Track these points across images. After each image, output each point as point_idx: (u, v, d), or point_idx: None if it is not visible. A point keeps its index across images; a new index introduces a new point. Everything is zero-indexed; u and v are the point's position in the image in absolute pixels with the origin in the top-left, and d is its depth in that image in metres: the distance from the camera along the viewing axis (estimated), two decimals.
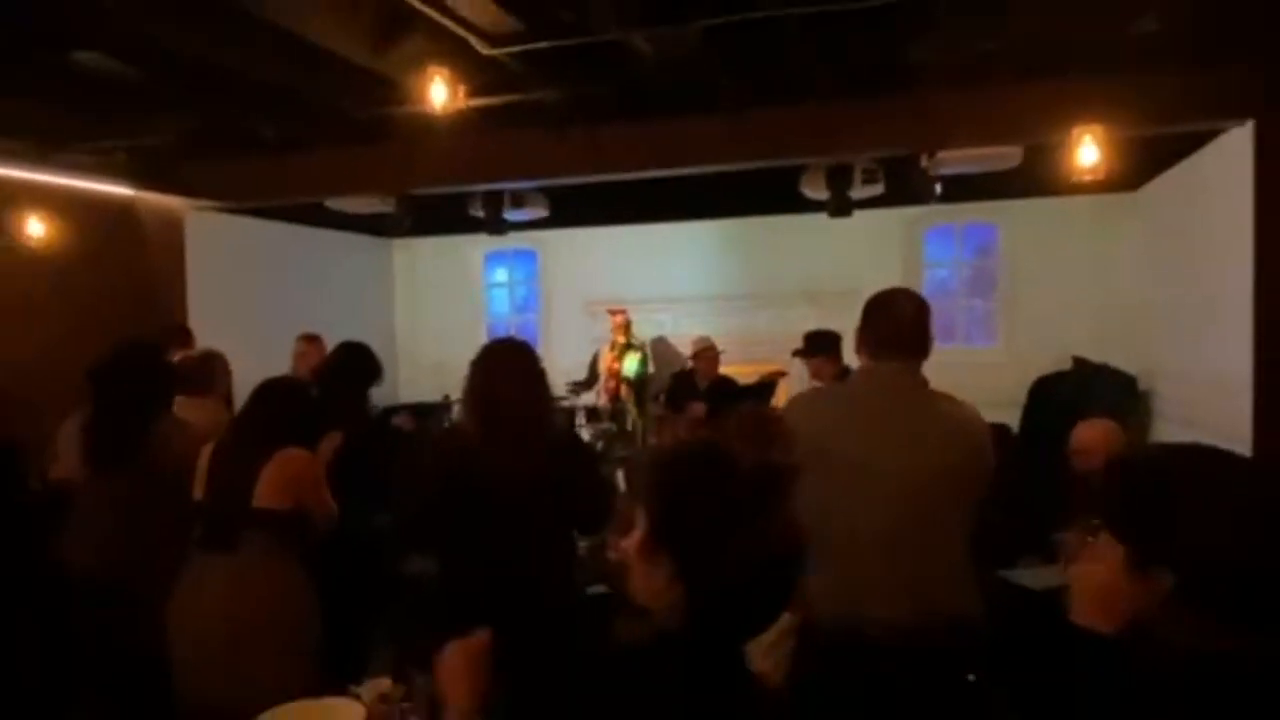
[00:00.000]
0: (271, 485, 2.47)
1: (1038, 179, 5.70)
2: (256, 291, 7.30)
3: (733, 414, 1.61)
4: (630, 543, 1.10)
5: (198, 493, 2.65)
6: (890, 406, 2.11)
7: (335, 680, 2.12)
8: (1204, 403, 5.17)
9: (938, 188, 4.93)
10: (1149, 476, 1.09)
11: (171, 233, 6.52)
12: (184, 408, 3.36)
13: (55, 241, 5.50)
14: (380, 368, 3.70)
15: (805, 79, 4.12)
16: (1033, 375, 7.16)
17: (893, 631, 1.95)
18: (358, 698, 1.96)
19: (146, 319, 5.93)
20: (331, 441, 2.92)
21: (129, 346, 3.14)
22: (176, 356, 3.84)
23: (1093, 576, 1.11)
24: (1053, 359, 7.19)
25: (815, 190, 5.46)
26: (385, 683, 2.02)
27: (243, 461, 2.51)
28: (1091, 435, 3.13)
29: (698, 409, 5.21)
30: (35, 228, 5.22)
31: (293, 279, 7.87)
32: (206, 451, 2.66)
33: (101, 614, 2.82)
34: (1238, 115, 4.09)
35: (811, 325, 4.91)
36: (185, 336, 5.08)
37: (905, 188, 5.33)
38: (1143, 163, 5.77)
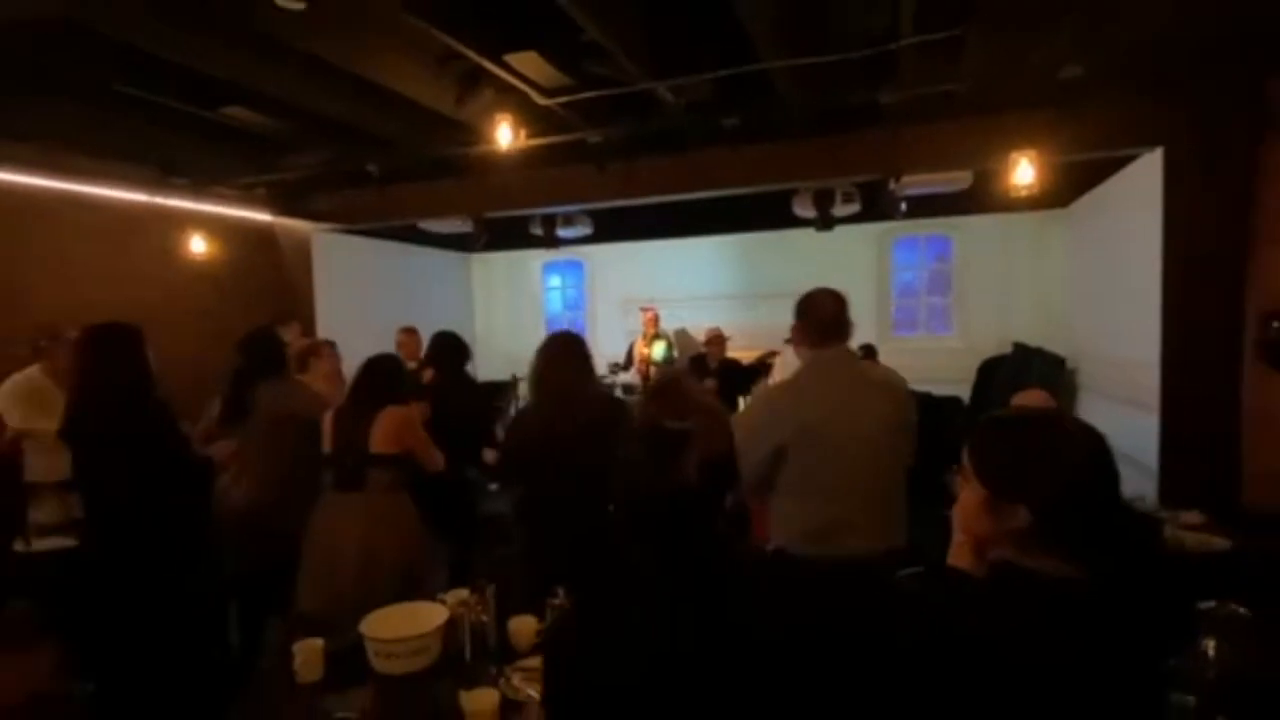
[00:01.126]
0: (383, 436, 2.53)
1: (985, 198, 5.58)
2: (367, 296, 7.40)
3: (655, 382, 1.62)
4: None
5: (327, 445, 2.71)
6: (840, 382, 2.12)
7: (429, 594, 2.16)
8: (1120, 379, 5.05)
9: (903, 206, 4.84)
10: (1009, 432, 1.08)
11: (302, 250, 6.64)
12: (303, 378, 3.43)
13: (213, 258, 5.63)
14: (469, 348, 3.78)
15: (795, 118, 4.08)
16: (981, 357, 7.05)
17: (855, 561, 1.95)
18: (443, 603, 2.00)
19: (285, 320, 6.05)
20: (422, 408, 2.97)
21: (257, 329, 3.20)
22: (295, 341, 3.90)
23: (961, 519, 1.10)
24: (997, 344, 7.06)
25: (804, 209, 5.42)
26: (464, 592, 2.05)
27: (359, 419, 2.56)
28: (1028, 401, 3.08)
29: (709, 385, 5.20)
30: (198, 245, 5.34)
31: (395, 285, 7.96)
32: (329, 416, 2.71)
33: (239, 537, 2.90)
34: (1149, 143, 3.97)
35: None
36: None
37: (877, 206, 5.26)
38: (1071, 184, 5.63)
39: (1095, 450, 1.00)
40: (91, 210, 4.91)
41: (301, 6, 2.45)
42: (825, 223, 5.35)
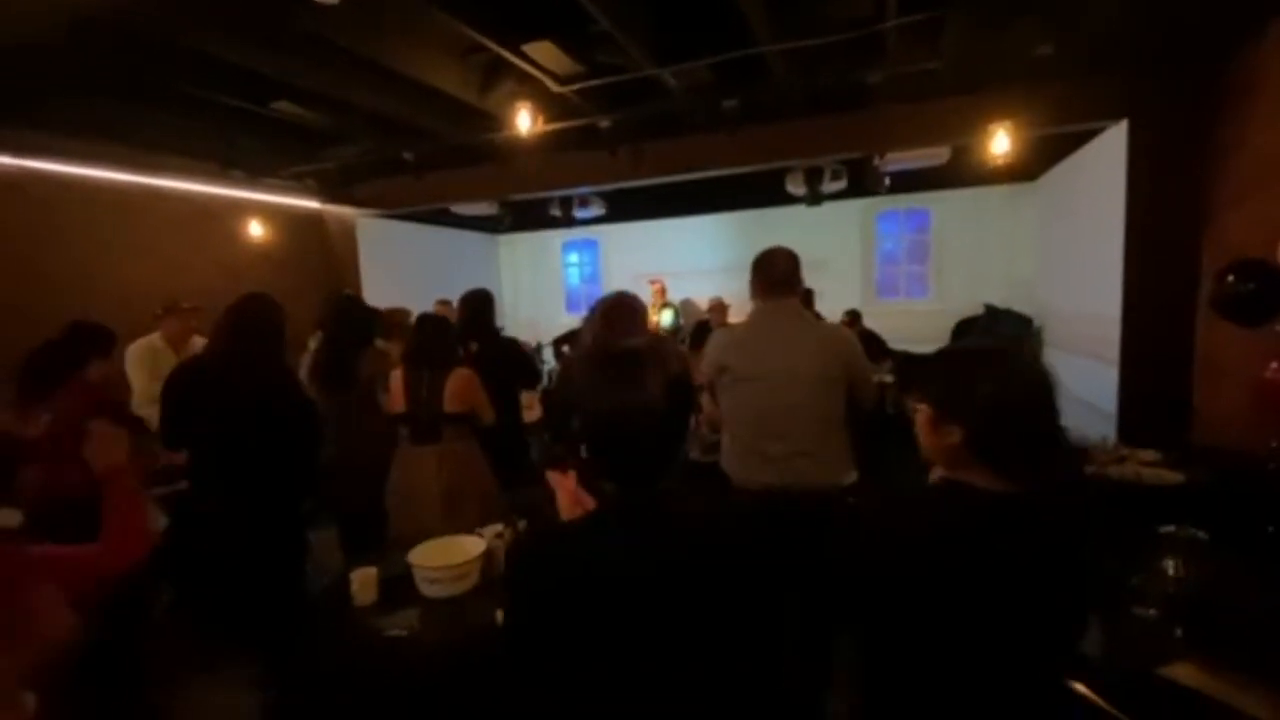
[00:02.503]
0: (452, 395, 2.51)
1: (960, 173, 5.43)
2: (406, 275, 7.35)
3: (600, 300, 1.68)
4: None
5: (394, 406, 2.65)
6: (776, 329, 2.13)
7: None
8: (1083, 334, 4.95)
9: (887, 181, 4.69)
10: (951, 360, 1.10)
11: (348, 234, 6.58)
12: (383, 347, 3.40)
13: (270, 243, 5.59)
14: (493, 299, 3.62)
15: (788, 101, 3.95)
16: (955, 319, 6.92)
17: (769, 490, 2.01)
18: (480, 536, 2.00)
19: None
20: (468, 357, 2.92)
21: (344, 299, 3.14)
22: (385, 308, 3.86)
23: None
24: (970, 306, 6.94)
25: (796, 187, 5.27)
26: (499, 526, 2.05)
27: (431, 381, 2.53)
28: None
29: None
30: (256, 231, 5.30)
31: (431, 265, 7.91)
32: (398, 375, 2.66)
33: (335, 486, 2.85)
34: (1116, 116, 3.80)
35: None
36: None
37: (862, 182, 5.11)
38: (1039, 158, 5.45)
39: (1031, 384, 1.00)
40: (166, 202, 4.88)
41: (335, 1, 2.36)
42: (815, 198, 5.22)
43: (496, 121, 3.97)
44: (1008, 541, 0.96)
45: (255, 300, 2.37)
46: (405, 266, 7.39)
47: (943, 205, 7.26)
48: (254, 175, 5.15)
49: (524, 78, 3.48)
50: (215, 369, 2.30)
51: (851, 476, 2.08)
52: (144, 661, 2.44)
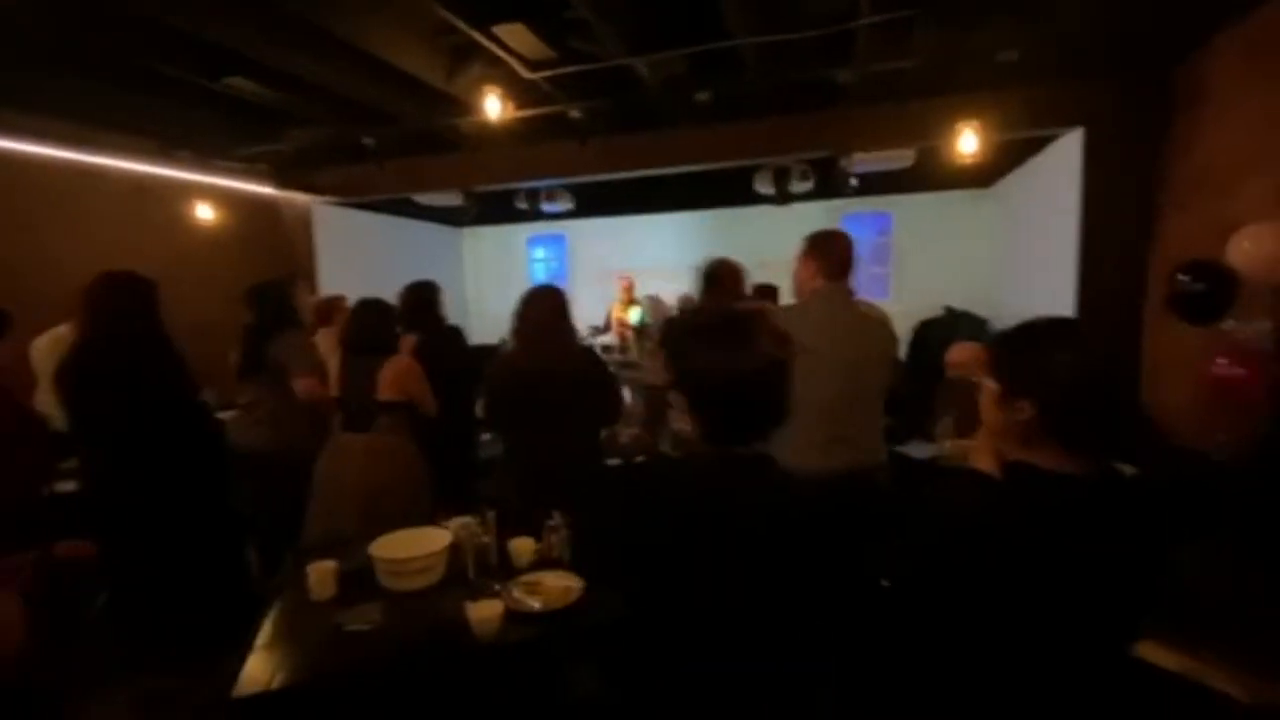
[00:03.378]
0: (387, 383, 2.40)
1: (923, 178, 5.54)
2: (366, 266, 7.11)
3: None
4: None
5: (331, 391, 2.58)
6: (838, 313, 2.10)
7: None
8: None
9: (854, 182, 4.75)
10: (1021, 333, 1.05)
11: (303, 221, 6.32)
12: (322, 336, 3.27)
13: (219, 227, 5.32)
14: (439, 290, 3.49)
15: (760, 97, 3.95)
16: (915, 321, 7.08)
17: (826, 473, 1.92)
18: (446, 528, 1.91)
19: (292, 279, 5.78)
20: (408, 342, 2.81)
21: (257, 286, 3.01)
22: (314, 299, 3.71)
23: (981, 427, 1.06)
24: (930, 308, 7.10)
25: (765, 186, 5.29)
26: (465, 518, 1.96)
27: (365, 368, 2.43)
28: (960, 351, 3.06)
29: None
30: (204, 213, 5.04)
31: (392, 257, 7.68)
32: (335, 362, 2.58)
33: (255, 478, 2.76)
34: (1073, 122, 3.94)
35: (760, 281, 4.90)
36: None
37: (829, 184, 5.16)
38: (995, 165, 5.61)
39: (1108, 356, 0.97)
40: (104, 180, 4.58)
41: None
42: (783, 198, 5.25)
43: (463, 107, 3.86)
44: (1090, 528, 0.92)
45: (109, 280, 2.31)
46: (364, 257, 7.15)
47: (904, 208, 7.43)
48: (203, 156, 4.90)
49: (494, 61, 3.38)
50: (89, 359, 2.22)
51: (884, 455, 2.17)
52: (68, 670, 2.29)
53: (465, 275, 9.45)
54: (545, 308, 2.38)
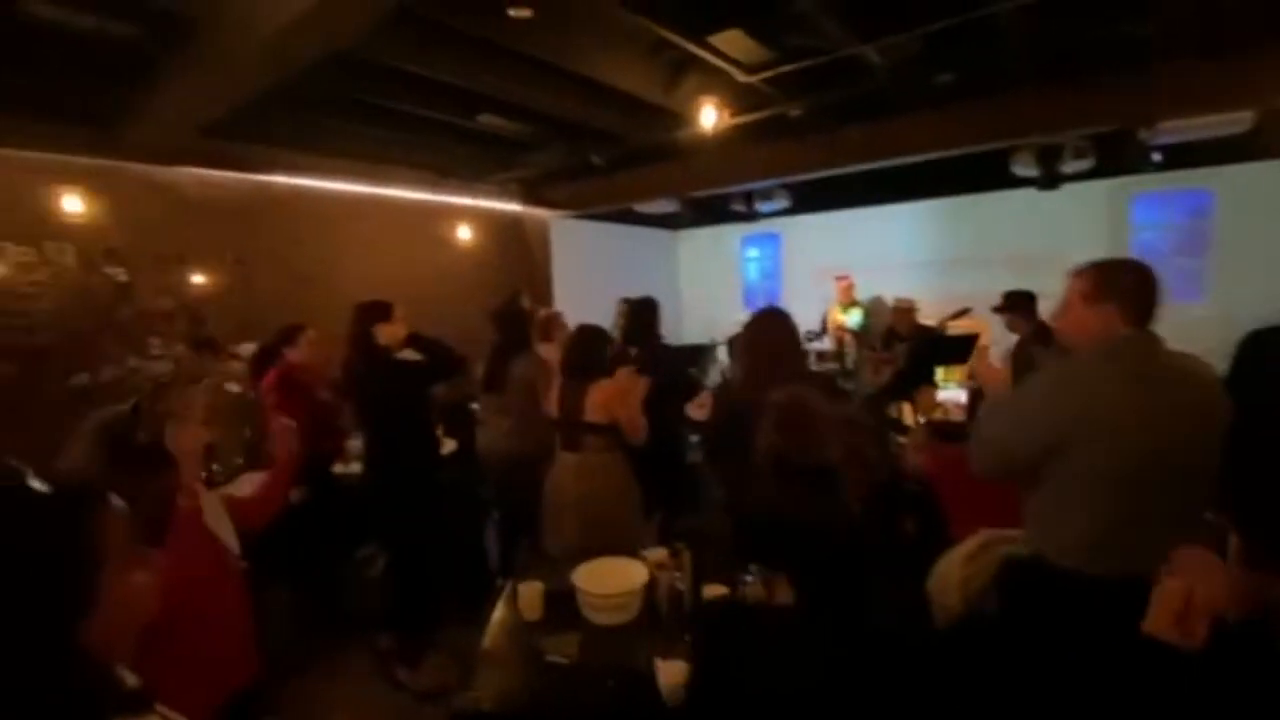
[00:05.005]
0: (594, 406, 2.50)
1: (1259, 145, 4.17)
2: (592, 272, 7.64)
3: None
4: None
5: (552, 411, 2.76)
6: (1155, 370, 1.53)
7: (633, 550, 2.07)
8: None
9: (1156, 156, 3.71)
10: None
11: (542, 234, 7.01)
12: (542, 350, 3.55)
13: (474, 243, 6.13)
14: (658, 306, 3.69)
15: (1021, 66, 3.28)
16: (1242, 329, 5.41)
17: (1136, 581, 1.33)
18: (644, 560, 1.91)
19: (530, 293, 6.47)
20: (631, 371, 2.87)
21: (504, 307, 3.32)
22: (540, 313, 4.06)
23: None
24: (1266, 313, 5.36)
25: (1025, 167, 4.35)
26: (662, 552, 1.94)
27: (575, 390, 2.55)
28: None
29: (899, 352, 4.63)
30: (463, 233, 5.83)
31: (614, 262, 8.12)
32: (557, 383, 2.73)
33: (499, 479, 3.09)
34: None
35: (1009, 286, 4.11)
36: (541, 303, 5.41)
37: (1118, 159, 4.12)
38: None
39: None
40: (387, 209, 5.57)
41: (529, 14, 2.39)
42: (1050, 181, 4.30)
43: (681, 119, 3.87)
44: None
45: (362, 307, 2.82)
46: (589, 264, 7.68)
47: (1230, 183, 5.71)
48: (464, 182, 5.66)
49: (711, 70, 3.32)
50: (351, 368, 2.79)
51: None
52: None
53: (680, 277, 9.67)
54: (778, 336, 2.24)
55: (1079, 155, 4.19)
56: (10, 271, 3.80)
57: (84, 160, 3.88)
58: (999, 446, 1.60)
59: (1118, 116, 3.53)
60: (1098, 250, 6.17)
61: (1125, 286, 1.56)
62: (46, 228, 3.87)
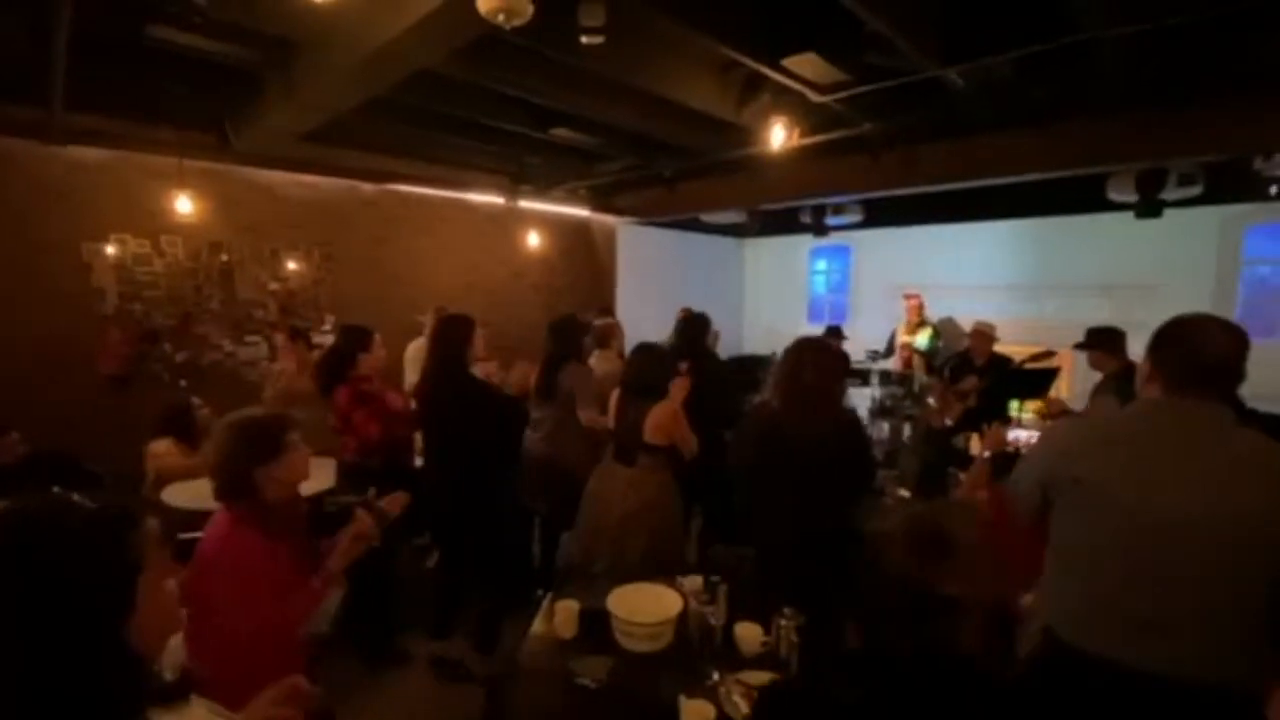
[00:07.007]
0: (653, 428, 2.53)
1: None
2: (657, 277, 7.66)
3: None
4: None
5: (609, 422, 2.81)
6: (1187, 444, 1.32)
7: (669, 573, 2.08)
8: None
9: (1273, 189, 3.38)
10: None
11: (609, 239, 7.11)
12: (597, 358, 3.61)
13: (545, 247, 6.28)
14: (708, 322, 3.72)
15: (1121, 89, 3.06)
16: None
17: (1137, 678, 1.27)
18: (679, 588, 1.91)
19: (595, 296, 6.59)
20: (683, 383, 2.87)
21: (558, 322, 3.36)
22: (597, 321, 4.12)
23: None
24: None
25: (1123, 192, 4.06)
26: (698, 581, 1.94)
27: (636, 409, 2.59)
28: None
29: (970, 383, 4.37)
30: (534, 239, 5.98)
31: (679, 269, 8.10)
32: (615, 393, 2.77)
33: (537, 480, 3.18)
34: None
35: (1104, 316, 3.76)
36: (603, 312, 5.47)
37: (1230, 187, 3.77)
38: None
39: None
40: (464, 213, 5.79)
41: (600, 40, 2.44)
42: (1151, 208, 3.97)
43: (752, 135, 3.83)
44: None
45: (449, 321, 2.86)
46: (654, 269, 7.71)
47: None
48: (537, 189, 5.82)
49: (782, 90, 3.27)
50: (426, 383, 2.88)
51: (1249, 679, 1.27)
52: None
53: (745, 285, 9.55)
54: (824, 370, 2.20)
55: (1186, 182, 3.87)
56: (130, 261, 4.22)
57: (194, 163, 4.25)
58: (1013, 490, 1.56)
59: (1231, 145, 3.23)
60: (1203, 282, 5.63)
61: (1168, 347, 1.39)
62: (161, 223, 4.26)
